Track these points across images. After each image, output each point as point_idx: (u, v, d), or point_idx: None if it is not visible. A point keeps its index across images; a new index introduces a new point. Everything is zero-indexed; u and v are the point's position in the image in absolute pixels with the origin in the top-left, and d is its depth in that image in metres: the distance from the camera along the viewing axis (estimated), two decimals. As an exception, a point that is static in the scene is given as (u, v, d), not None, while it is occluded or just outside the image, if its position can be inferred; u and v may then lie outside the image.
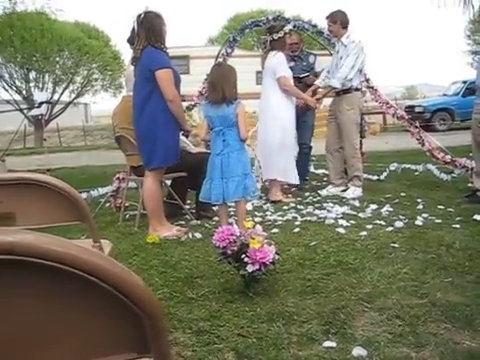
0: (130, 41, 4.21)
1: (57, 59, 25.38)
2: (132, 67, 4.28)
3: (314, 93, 5.74)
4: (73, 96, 27.27)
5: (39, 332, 0.59)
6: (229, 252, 2.63)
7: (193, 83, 15.01)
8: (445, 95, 19.76)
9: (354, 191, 5.48)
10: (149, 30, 4.02)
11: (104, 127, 29.25)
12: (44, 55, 23.92)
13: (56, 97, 26.15)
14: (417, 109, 18.66)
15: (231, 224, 3.42)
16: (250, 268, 2.55)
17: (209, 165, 3.91)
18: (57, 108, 26.07)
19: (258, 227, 2.73)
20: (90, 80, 27.22)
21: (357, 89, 5.56)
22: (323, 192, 5.74)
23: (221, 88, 3.74)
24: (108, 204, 5.59)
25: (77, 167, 11.21)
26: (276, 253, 2.65)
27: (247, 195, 3.89)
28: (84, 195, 5.85)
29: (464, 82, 18.46)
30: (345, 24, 5.54)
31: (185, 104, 6.21)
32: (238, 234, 2.65)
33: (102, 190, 5.98)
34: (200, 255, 3.53)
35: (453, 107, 17.91)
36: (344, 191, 5.60)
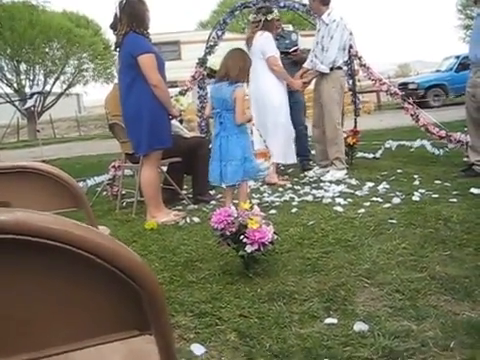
0: (113, 27, 4.18)
1: (47, 50, 25.17)
2: None
3: (301, 76, 5.70)
4: (64, 87, 27.09)
5: (37, 311, 0.59)
6: (227, 233, 2.63)
7: (185, 68, 14.93)
8: (438, 71, 19.69)
9: (334, 174, 5.38)
10: (131, 15, 4.00)
11: (97, 117, 29.17)
12: (33, 46, 23.70)
13: (47, 88, 25.99)
14: (410, 86, 18.62)
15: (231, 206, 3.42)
16: (249, 248, 2.55)
17: (212, 145, 3.95)
18: (49, 99, 25.93)
19: (256, 208, 2.73)
20: (81, 70, 27.05)
21: (339, 67, 5.51)
22: (310, 173, 5.75)
23: (225, 66, 3.82)
24: (105, 192, 5.58)
25: (72, 158, 11.19)
26: (274, 233, 2.65)
27: (248, 178, 3.91)
28: (80, 184, 5.84)
29: (457, 57, 18.41)
30: (325, 1, 5.48)
31: (178, 89, 6.19)
32: (236, 215, 2.65)
33: (98, 179, 5.97)
34: (199, 239, 3.53)
35: (446, 83, 17.89)
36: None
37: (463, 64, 16.35)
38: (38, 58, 24.47)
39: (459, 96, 16.48)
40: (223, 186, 4.07)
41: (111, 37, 29.21)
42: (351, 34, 5.83)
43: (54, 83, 26.33)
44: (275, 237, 2.66)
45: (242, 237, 2.55)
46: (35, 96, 6.30)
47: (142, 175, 4.20)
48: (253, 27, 5.40)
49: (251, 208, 2.70)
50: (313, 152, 6.39)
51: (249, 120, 4.04)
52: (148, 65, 3.93)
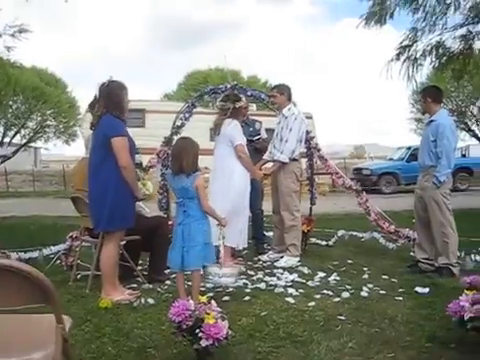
0: (91, 106, 4.36)
1: (10, 103, 25.10)
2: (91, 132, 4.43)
3: (261, 167, 6.01)
4: (24, 141, 26.84)
5: None
6: (184, 326, 2.70)
7: (148, 136, 15.22)
8: (391, 159, 20.73)
9: (287, 260, 5.57)
10: (109, 98, 4.20)
11: (53, 173, 28.79)
12: (-2, 99, 23.66)
13: (6, 140, 25.70)
14: (364, 172, 19.47)
15: (188, 295, 3.49)
16: (204, 343, 2.63)
17: (173, 233, 4.05)
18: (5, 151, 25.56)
19: (213, 303, 2.83)
20: (43, 126, 26.97)
21: (295, 159, 5.81)
22: (264, 257, 5.91)
23: (179, 160, 3.91)
24: (59, 261, 5.54)
25: (26, 216, 10.98)
26: (229, 328, 2.75)
27: (208, 263, 4.01)
28: (36, 253, 5.80)
29: (408, 148, 19.49)
30: (290, 96, 5.90)
31: (142, 159, 6.32)
32: (193, 309, 2.74)
33: (54, 248, 5.93)
34: (153, 323, 3.56)
35: (398, 171, 18.82)
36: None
37: (414, 155, 17.23)
38: (1, 111, 24.34)
39: (409, 184, 17.30)
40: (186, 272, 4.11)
41: (77, 96, 29.51)
42: (311, 118, 6.22)
43: (14, 136, 26.08)
44: (229, 332, 2.75)
45: (198, 331, 2.63)
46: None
47: (103, 252, 4.25)
48: (221, 114, 5.65)
49: (209, 302, 2.80)
50: (270, 234, 6.58)
51: (221, 223, 4.14)
52: (120, 147, 4.10)
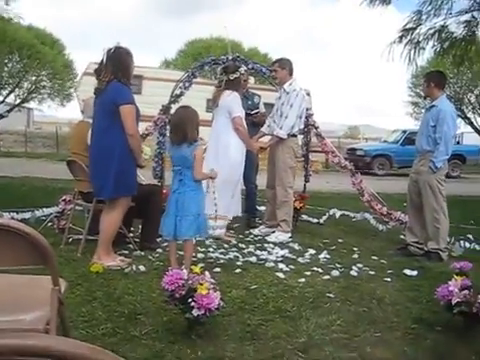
0: (97, 72, 4.29)
1: (5, 61, 24.71)
2: (93, 96, 4.36)
3: (258, 139, 5.99)
4: (18, 101, 26.52)
5: None
6: (177, 295, 2.72)
7: (144, 103, 15.03)
8: (385, 142, 20.74)
9: (278, 236, 5.60)
10: (117, 64, 4.14)
11: (46, 135, 28.55)
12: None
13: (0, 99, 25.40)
14: (358, 152, 19.48)
15: (179, 265, 3.51)
16: (196, 312, 2.66)
17: (167, 201, 4.03)
18: (-1, 110, 25.30)
19: (206, 274, 2.85)
20: (38, 87, 26.62)
21: (294, 135, 5.81)
22: (255, 231, 5.94)
23: (182, 130, 3.89)
24: (50, 224, 5.53)
25: (18, 177, 10.91)
26: (221, 299, 2.77)
27: (198, 235, 4.02)
28: (28, 215, 5.78)
29: (404, 132, 19.48)
30: (291, 71, 5.84)
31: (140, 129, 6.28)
32: (186, 278, 2.76)
33: (47, 210, 5.91)
34: (143, 290, 3.59)
35: (392, 154, 18.83)
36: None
37: (409, 138, 17.26)
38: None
39: (402, 168, 17.36)
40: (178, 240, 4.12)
41: (75, 57, 29.06)
42: (309, 95, 6.18)
43: (8, 95, 25.77)
44: (221, 303, 2.78)
45: (190, 301, 2.65)
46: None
47: (107, 217, 4.25)
48: (218, 86, 5.64)
49: (202, 273, 2.82)
50: (262, 209, 6.61)
51: (211, 177, 4.16)
52: (129, 115, 4.07)
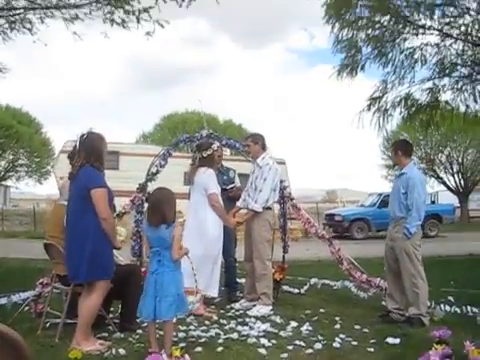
0: (70, 157, 4.40)
1: (-18, 141, 24.86)
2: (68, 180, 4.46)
3: (234, 214, 6.06)
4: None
5: None
6: (157, 382, 2.68)
7: (121, 179, 15.18)
8: (362, 205, 21.04)
9: (260, 309, 5.57)
10: (90, 150, 4.26)
11: (23, 212, 28.24)
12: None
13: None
14: (336, 218, 19.72)
15: (160, 349, 3.45)
16: (176, 398, 2.61)
17: (145, 282, 4.02)
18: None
19: (186, 357, 2.82)
20: (15, 165, 26.65)
21: (268, 207, 5.89)
22: (236, 305, 5.90)
23: (160, 212, 3.95)
24: (27, 308, 5.41)
25: (-6, 258, 10.70)
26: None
27: (180, 314, 3.99)
28: (4, 300, 5.66)
29: (379, 194, 19.86)
30: (264, 146, 6.03)
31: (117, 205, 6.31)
32: (166, 363, 2.72)
33: (24, 295, 5.79)
34: (124, 375, 3.51)
35: (369, 217, 19.09)
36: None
37: (385, 201, 17.53)
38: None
39: (380, 231, 17.54)
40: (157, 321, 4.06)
41: (52, 136, 29.40)
42: (284, 163, 6.35)
43: (-16, 174, 25.70)
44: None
45: (171, 387, 2.61)
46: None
47: (86, 301, 4.20)
48: (192, 163, 5.78)
49: (182, 355, 2.79)
50: (242, 281, 6.58)
51: (186, 254, 4.19)
52: (100, 199, 4.14)
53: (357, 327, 4.97)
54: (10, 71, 10.46)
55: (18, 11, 8.58)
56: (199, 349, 4.14)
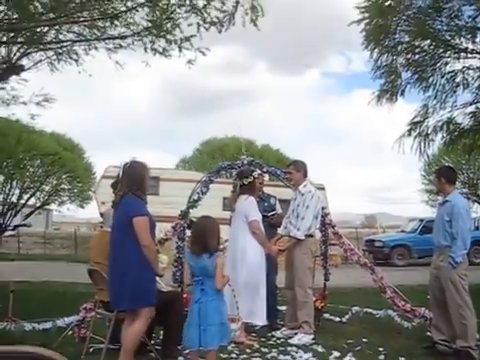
0: (113, 186, 4.52)
1: (28, 167, 25.68)
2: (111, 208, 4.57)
3: (276, 242, 6.05)
4: (39, 203, 27.19)
5: None
6: None
7: (161, 204, 15.36)
8: (403, 231, 20.61)
9: (301, 338, 5.52)
10: (132, 178, 4.36)
11: (65, 236, 28.88)
12: (17, 162, 24.26)
13: (22, 202, 26.08)
14: (377, 244, 19.37)
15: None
16: None
17: (189, 311, 4.05)
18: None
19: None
20: (58, 190, 27.38)
21: (310, 235, 5.87)
22: (277, 333, 5.86)
23: (203, 240, 3.98)
24: (71, 332, 5.50)
25: (36, 282, 10.95)
26: None
27: (224, 342, 3.99)
28: (49, 324, 5.78)
29: (421, 220, 19.41)
30: (306, 173, 6.04)
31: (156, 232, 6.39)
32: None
33: (68, 319, 5.90)
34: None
35: (410, 244, 18.65)
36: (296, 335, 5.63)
37: (426, 227, 17.13)
38: (18, 173, 24.89)
39: (422, 257, 17.10)
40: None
41: (94, 161, 30.15)
42: (323, 189, 6.33)
43: (29, 198, 26.47)
44: None
45: None
46: (18, 228, 6.47)
47: (130, 329, 4.24)
48: (233, 191, 5.82)
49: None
50: (283, 308, 6.52)
51: (227, 282, 4.20)
52: (141, 227, 4.21)
53: (402, 359, 4.85)
54: (56, 101, 10.85)
55: (65, 44, 8.91)
56: (242, 379, 4.12)
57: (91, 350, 4.93)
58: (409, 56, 10.49)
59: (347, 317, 6.90)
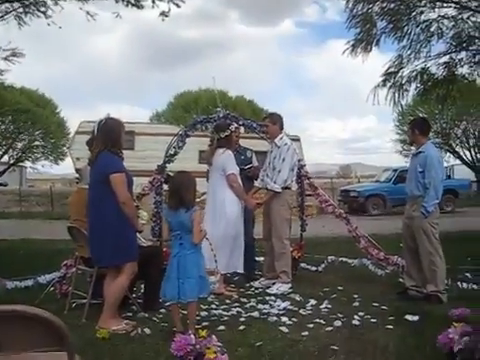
0: (89, 143, 4.49)
1: (-1, 124, 25.19)
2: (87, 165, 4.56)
3: (253, 194, 6.14)
4: (12, 161, 26.79)
5: None
6: (185, 361, 2.79)
7: (137, 158, 15.26)
8: (378, 181, 20.96)
9: (279, 287, 5.68)
10: (107, 135, 4.33)
11: (40, 193, 28.62)
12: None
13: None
14: (352, 194, 19.71)
15: (186, 329, 3.55)
16: (205, 377, 2.71)
17: (168, 264, 4.12)
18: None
19: (213, 337, 2.92)
20: (31, 146, 26.96)
21: (287, 187, 5.95)
22: (256, 283, 6.03)
23: (179, 196, 4.02)
24: (52, 288, 5.56)
25: (15, 240, 10.93)
26: (228, 362, 2.84)
27: (202, 295, 4.10)
28: (30, 282, 5.83)
29: (394, 170, 19.74)
30: (282, 126, 6.08)
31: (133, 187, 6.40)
32: (194, 343, 2.82)
33: (49, 276, 5.96)
34: (151, 353, 3.62)
35: (385, 193, 19.02)
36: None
37: (400, 177, 17.44)
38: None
39: (396, 206, 17.50)
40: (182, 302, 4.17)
41: (67, 116, 29.58)
42: (299, 140, 6.38)
43: (1, 156, 26.04)
44: (229, 366, 2.84)
45: (199, 366, 2.72)
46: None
47: (113, 283, 4.33)
48: (210, 145, 5.83)
49: (208, 336, 2.89)
50: (261, 259, 6.67)
51: (204, 236, 4.27)
52: (118, 183, 4.22)
53: (375, 304, 5.04)
54: (25, 56, 10.51)
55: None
56: (222, 327, 4.26)
57: (74, 305, 5.00)
58: (384, 5, 10.38)
59: (323, 266, 7.11)
